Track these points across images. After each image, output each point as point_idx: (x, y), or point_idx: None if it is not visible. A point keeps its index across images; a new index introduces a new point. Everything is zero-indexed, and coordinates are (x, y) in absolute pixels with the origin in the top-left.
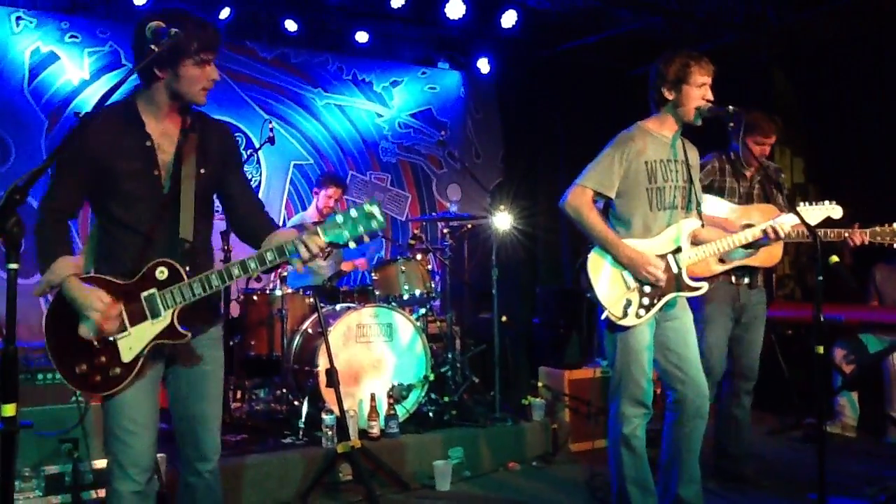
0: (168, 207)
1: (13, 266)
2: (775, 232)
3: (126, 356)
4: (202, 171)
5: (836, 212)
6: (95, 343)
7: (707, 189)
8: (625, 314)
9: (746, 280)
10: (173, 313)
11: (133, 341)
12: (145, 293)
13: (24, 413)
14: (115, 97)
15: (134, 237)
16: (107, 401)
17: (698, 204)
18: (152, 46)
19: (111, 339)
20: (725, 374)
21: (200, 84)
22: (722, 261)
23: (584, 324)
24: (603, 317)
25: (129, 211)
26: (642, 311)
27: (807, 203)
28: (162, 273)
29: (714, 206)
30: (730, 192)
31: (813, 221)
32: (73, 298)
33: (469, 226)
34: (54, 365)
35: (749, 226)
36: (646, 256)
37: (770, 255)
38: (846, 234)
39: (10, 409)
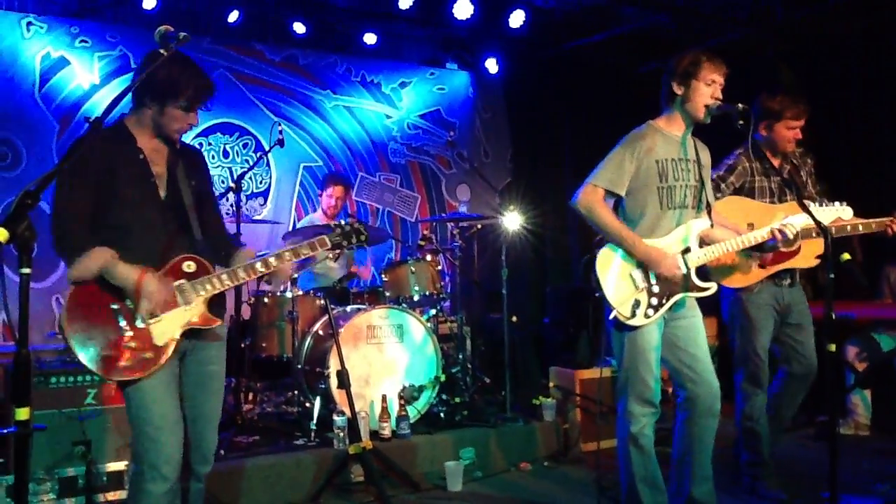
0: (170, 212)
1: (25, 270)
2: (782, 234)
3: (159, 340)
4: (192, 182)
5: (846, 213)
6: (129, 331)
7: (738, 191)
8: (633, 314)
9: (788, 280)
10: (205, 300)
11: (166, 326)
12: (176, 283)
13: (37, 416)
14: (126, 102)
15: (142, 241)
16: (133, 393)
17: (709, 204)
18: (161, 51)
19: (143, 324)
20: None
21: (179, 125)
22: (762, 266)
23: (590, 323)
24: (611, 316)
25: (132, 216)
26: (651, 311)
27: (817, 204)
28: (189, 266)
29: (741, 206)
30: (760, 192)
31: (824, 221)
32: (123, 278)
33: (479, 226)
34: (75, 351)
35: (751, 225)
36: (662, 252)
37: (807, 257)
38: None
39: (23, 413)
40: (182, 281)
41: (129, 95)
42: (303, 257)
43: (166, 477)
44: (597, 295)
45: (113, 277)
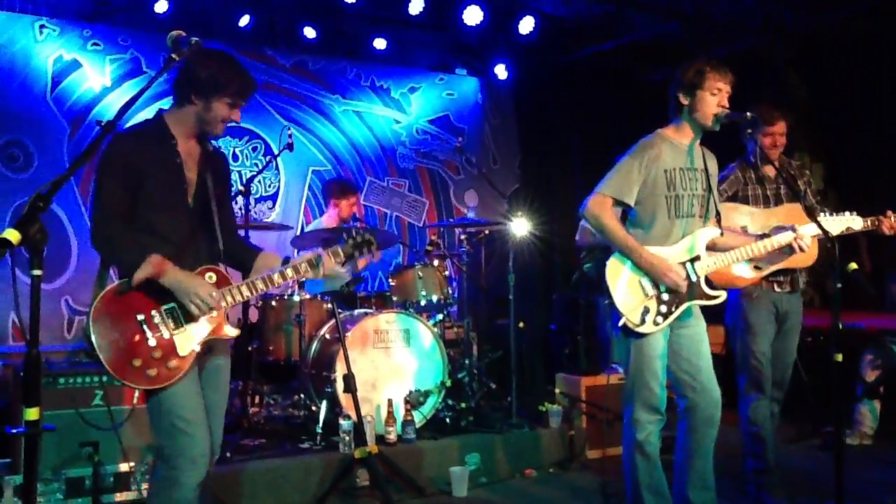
0: (196, 219)
1: (37, 272)
2: (799, 247)
3: (182, 350)
4: (217, 190)
5: (856, 223)
6: (152, 340)
7: (732, 199)
8: (642, 321)
9: (788, 286)
10: (224, 311)
11: (188, 337)
12: None
13: (45, 416)
14: (138, 105)
15: (170, 246)
16: (162, 397)
17: (717, 213)
18: (173, 55)
19: (168, 335)
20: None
21: (224, 121)
22: (758, 267)
23: (582, 329)
24: (620, 323)
25: (163, 220)
26: (660, 319)
27: (827, 213)
28: (211, 277)
29: (737, 214)
30: (754, 199)
31: (834, 231)
32: (179, 284)
33: (486, 232)
34: (104, 360)
35: (780, 228)
36: (667, 262)
37: (807, 256)
38: (881, 219)
39: (33, 413)
40: None
41: (145, 96)
42: (324, 272)
43: (201, 468)
44: (606, 302)
45: (171, 283)
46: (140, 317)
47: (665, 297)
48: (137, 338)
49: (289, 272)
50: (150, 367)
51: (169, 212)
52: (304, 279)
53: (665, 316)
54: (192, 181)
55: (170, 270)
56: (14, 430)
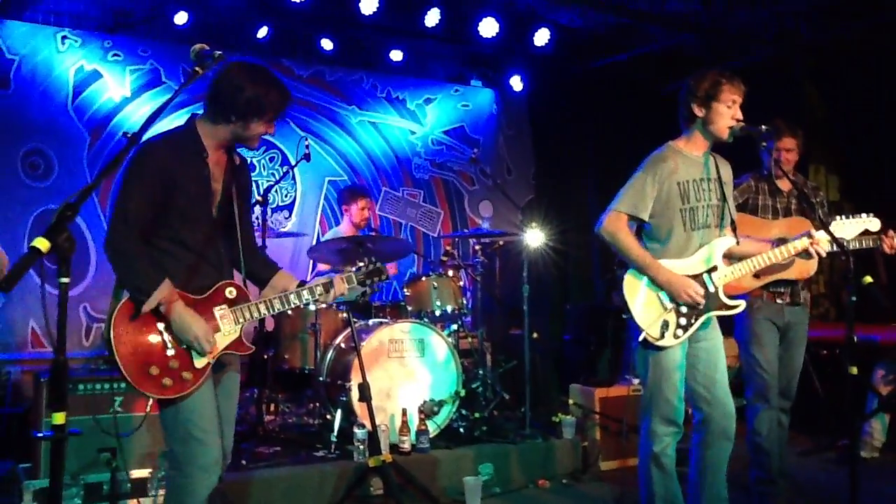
0: (219, 231)
1: (64, 280)
2: (815, 251)
3: (199, 364)
4: (240, 202)
5: (873, 224)
6: (171, 350)
7: (741, 207)
8: (662, 335)
9: (788, 297)
10: (241, 328)
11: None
12: (218, 309)
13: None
14: (163, 116)
15: (193, 257)
16: (178, 406)
17: (732, 221)
18: (196, 69)
19: (186, 346)
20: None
21: (260, 136)
22: (757, 276)
23: (609, 340)
24: (641, 338)
25: (187, 231)
26: (680, 332)
27: (843, 217)
28: (231, 293)
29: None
30: (763, 209)
31: (850, 235)
32: (181, 321)
33: (500, 242)
34: (122, 367)
35: (782, 240)
36: (684, 279)
37: (804, 269)
38: (882, 237)
39: (60, 418)
40: (224, 307)
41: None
42: (336, 295)
43: (213, 477)
44: (624, 317)
45: (174, 318)
46: (161, 325)
47: (684, 309)
48: (157, 347)
49: (305, 294)
50: (166, 377)
51: (194, 223)
52: (318, 302)
53: (685, 328)
54: (218, 192)
55: (177, 306)
56: (41, 434)
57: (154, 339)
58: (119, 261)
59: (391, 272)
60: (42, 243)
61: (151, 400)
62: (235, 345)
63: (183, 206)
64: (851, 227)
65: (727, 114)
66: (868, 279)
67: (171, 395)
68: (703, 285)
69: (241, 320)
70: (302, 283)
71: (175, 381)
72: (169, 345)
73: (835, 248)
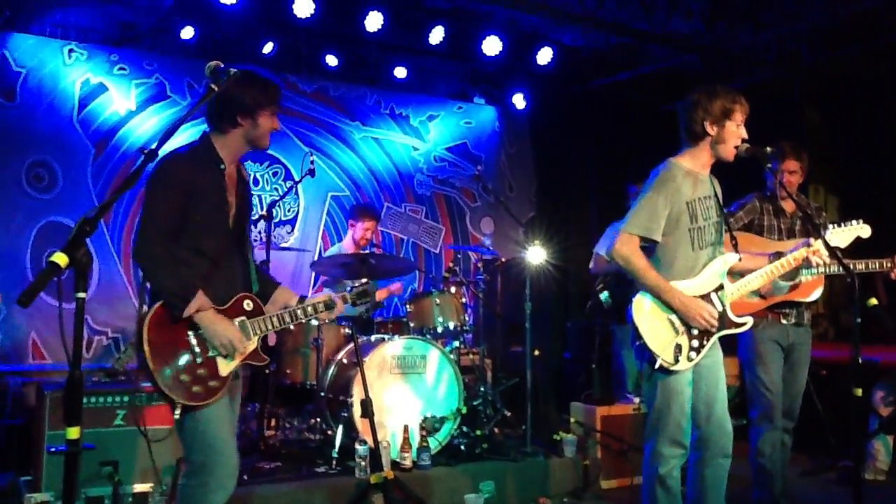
0: (234, 243)
1: (81, 295)
2: (815, 261)
3: (223, 371)
4: (246, 214)
5: (864, 231)
6: (200, 358)
7: (747, 228)
8: (676, 360)
9: (793, 318)
10: (258, 339)
11: (228, 360)
12: (237, 320)
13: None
14: (181, 132)
15: (213, 268)
16: (201, 415)
17: (733, 237)
18: (212, 86)
19: (213, 354)
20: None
21: (270, 131)
22: (763, 297)
23: (596, 357)
24: (657, 365)
25: (208, 242)
26: (693, 354)
27: (835, 225)
28: (248, 305)
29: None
30: (769, 229)
31: (843, 243)
32: (214, 330)
33: (502, 259)
34: (154, 371)
35: (779, 254)
36: (700, 303)
37: (810, 290)
38: (888, 265)
39: (74, 432)
40: (243, 318)
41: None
42: (336, 312)
43: (230, 487)
44: (637, 343)
45: (207, 326)
46: (190, 333)
47: (695, 331)
48: (186, 354)
49: (309, 310)
50: (196, 384)
51: (213, 234)
52: (319, 317)
53: (698, 350)
54: (233, 205)
55: (210, 312)
56: (54, 449)
57: (184, 347)
58: (155, 268)
59: (397, 292)
60: (61, 258)
61: (178, 409)
62: (253, 355)
63: (203, 217)
64: (844, 236)
65: (736, 134)
66: (873, 301)
67: (200, 402)
68: (712, 304)
69: (258, 332)
70: (302, 299)
71: (203, 388)
72: (198, 352)
73: (840, 269)
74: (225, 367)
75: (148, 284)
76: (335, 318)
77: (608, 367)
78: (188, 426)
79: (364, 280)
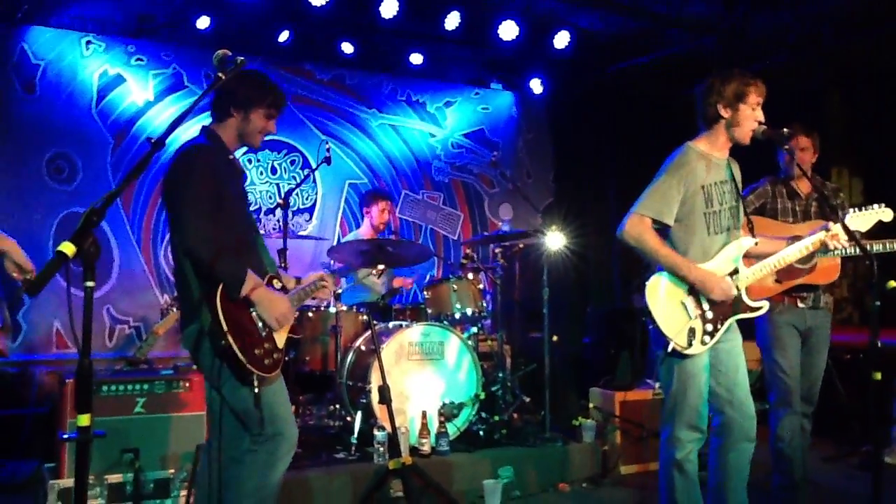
0: (252, 229)
1: (90, 283)
2: (833, 245)
3: (280, 344)
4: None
5: (886, 214)
6: (263, 332)
7: (759, 211)
8: (690, 343)
9: (810, 301)
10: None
11: (280, 334)
12: None
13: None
14: (188, 120)
15: (248, 251)
16: (267, 389)
17: (750, 220)
18: (220, 74)
19: (268, 329)
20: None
21: (262, 133)
22: (779, 281)
23: (634, 343)
24: (670, 349)
25: (235, 226)
26: (707, 338)
27: (856, 209)
28: (277, 284)
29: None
30: (783, 212)
31: (864, 227)
32: (269, 302)
33: (521, 245)
34: (237, 350)
35: (797, 237)
36: (716, 276)
37: (827, 273)
38: None
39: (85, 419)
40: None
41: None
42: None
43: (289, 458)
44: (650, 327)
45: (261, 300)
46: (252, 311)
47: (709, 314)
48: (255, 330)
49: (309, 290)
50: (267, 357)
51: (241, 219)
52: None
53: (712, 334)
54: (247, 192)
55: (262, 289)
56: (66, 436)
57: (250, 323)
58: (209, 252)
59: (407, 287)
60: (68, 248)
61: (257, 384)
62: (293, 327)
63: (231, 202)
64: (865, 219)
65: (752, 116)
66: (892, 283)
67: (272, 373)
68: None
69: (294, 306)
70: (298, 280)
71: (272, 361)
72: (261, 327)
73: (857, 251)
74: (280, 341)
75: (200, 270)
76: (352, 304)
77: (643, 353)
78: (264, 400)
79: (381, 266)
